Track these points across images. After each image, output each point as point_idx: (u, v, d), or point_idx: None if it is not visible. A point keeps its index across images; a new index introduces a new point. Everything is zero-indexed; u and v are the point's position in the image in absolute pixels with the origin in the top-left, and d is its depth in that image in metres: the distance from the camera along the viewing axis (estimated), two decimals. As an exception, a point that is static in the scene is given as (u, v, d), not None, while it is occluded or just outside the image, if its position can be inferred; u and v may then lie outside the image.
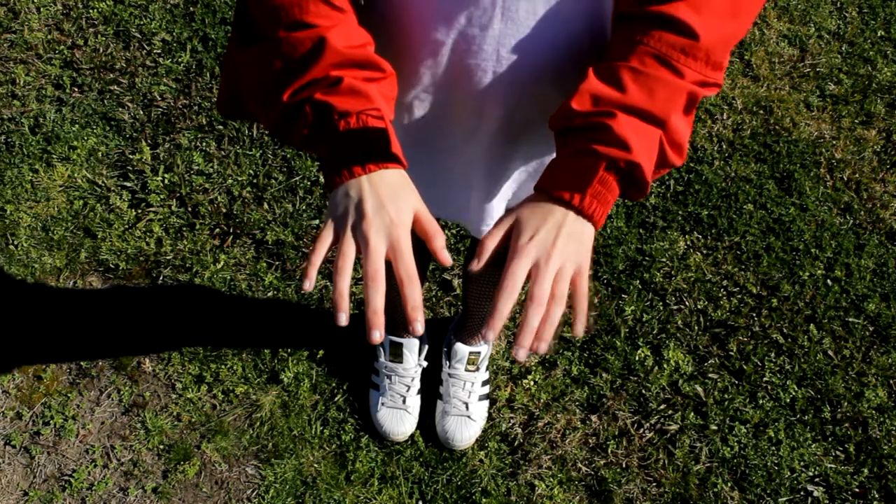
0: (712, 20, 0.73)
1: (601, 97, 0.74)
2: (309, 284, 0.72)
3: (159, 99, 2.17)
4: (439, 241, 0.75)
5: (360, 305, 1.89)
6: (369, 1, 0.85)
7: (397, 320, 1.68)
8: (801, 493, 1.76)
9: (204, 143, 2.10)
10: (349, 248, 0.72)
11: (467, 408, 1.74)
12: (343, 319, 0.69)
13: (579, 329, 0.71)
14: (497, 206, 1.11)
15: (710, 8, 0.73)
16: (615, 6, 0.79)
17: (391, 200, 0.74)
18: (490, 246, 0.75)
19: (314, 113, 0.75)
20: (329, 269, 1.88)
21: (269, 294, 1.92)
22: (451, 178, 1.07)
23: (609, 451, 1.78)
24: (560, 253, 0.72)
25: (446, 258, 0.75)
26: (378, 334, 0.69)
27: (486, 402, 1.78)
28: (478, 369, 1.75)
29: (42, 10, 2.32)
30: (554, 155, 0.98)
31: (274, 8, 0.75)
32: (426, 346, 1.77)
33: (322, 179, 2.05)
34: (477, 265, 0.74)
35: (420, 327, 0.69)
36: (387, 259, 0.73)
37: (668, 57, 0.73)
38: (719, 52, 0.75)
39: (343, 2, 0.77)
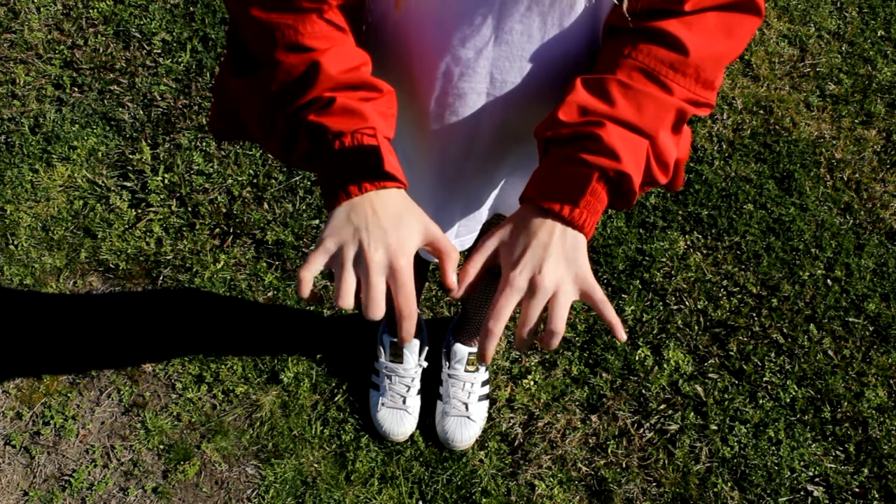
0: (703, 37, 0.73)
1: (589, 108, 0.73)
2: (306, 292, 0.73)
3: (159, 99, 2.17)
4: (450, 264, 0.75)
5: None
6: (369, 28, 0.85)
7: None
8: (801, 493, 1.76)
9: (204, 143, 2.10)
10: (349, 286, 0.72)
11: (467, 408, 1.74)
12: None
13: (621, 334, 0.71)
14: (480, 217, 1.11)
15: (702, 24, 0.73)
16: (606, 19, 0.79)
17: (394, 227, 0.72)
18: (472, 272, 0.75)
19: (309, 135, 0.74)
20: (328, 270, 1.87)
21: (269, 294, 1.92)
22: (444, 196, 1.06)
23: (609, 451, 1.78)
24: (551, 277, 0.71)
25: (452, 282, 0.74)
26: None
27: (485, 403, 1.78)
28: (477, 370, 1.75)
29: (42, 10, 2.32)
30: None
31: (269, 29, 0.73)
32: (426, 347, 1.77)
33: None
34: (457, 293, 0.74)
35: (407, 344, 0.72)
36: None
37: (656, 72, 0.73)
38: (710, 69, 0.74)
39: (340, 20, 0.76)
